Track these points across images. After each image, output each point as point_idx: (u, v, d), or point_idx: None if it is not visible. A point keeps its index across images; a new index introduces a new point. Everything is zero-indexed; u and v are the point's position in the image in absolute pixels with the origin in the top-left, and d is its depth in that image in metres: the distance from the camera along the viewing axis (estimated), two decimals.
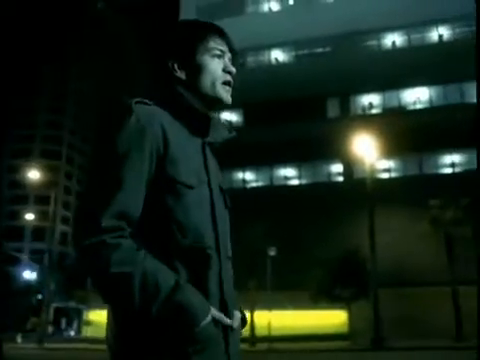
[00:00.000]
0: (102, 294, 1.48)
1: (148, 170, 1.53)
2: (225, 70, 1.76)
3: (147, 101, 1.62)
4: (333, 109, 33.23)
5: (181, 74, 1.73)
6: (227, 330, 1.57)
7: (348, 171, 31.31)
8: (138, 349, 1.47)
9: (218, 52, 1.75)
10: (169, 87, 1.73)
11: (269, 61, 35.35)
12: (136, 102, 1.59)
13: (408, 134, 29.06)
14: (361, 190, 24.64)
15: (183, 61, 1.74)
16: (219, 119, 1.78)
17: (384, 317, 23.20)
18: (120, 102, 1.61)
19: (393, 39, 33.71)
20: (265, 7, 36.28)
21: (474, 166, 30.49)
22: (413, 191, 27.67)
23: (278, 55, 35.84)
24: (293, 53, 35.48)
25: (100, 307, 33.77)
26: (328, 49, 34.49)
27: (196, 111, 1.69)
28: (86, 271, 1.47)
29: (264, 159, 31.81)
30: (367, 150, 24.29)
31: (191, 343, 1.45)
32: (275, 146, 30.87)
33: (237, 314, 1.69)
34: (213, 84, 1.73)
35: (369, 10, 32.35)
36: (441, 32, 32.84)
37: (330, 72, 31.61)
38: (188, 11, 36.63)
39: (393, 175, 32.16)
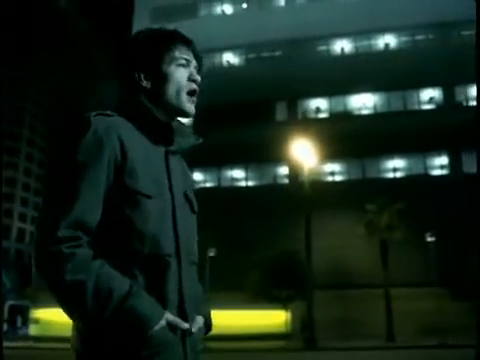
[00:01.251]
0: (58, 301, 1.52)
1: (105, 181, 1.56)
2: (190, 79, 1.79)
3: (108, 113, 1.65)
4: (281, 113, 33.68)
5: (147, 84, 1.75)
6: (185, 334, 1.60)
7: (293, 174, 31.77)
8: (98, 352, 1.51)
9: (183, 61, 1.78)
10: (132, 97, 1.74)
11: (221, 64, 35.64)
12: (95, 115, 1.61)
13: (353, 138, 29.67)
14: (307, 192, 25.12)
15: (148, 71, 1.76)
16: (185, 126, 1.83)
17: (321, 318, 23.73)
18: (79, 115, 1.64)
19: (342, 46, 34.37)
20: (218, 10, 36.58)
21: (415, 171, 31.47)
22: (355, 194, 28.26)
23: (230, 58, 36.18)
24: (244, 56, 35.82)
25: (47, 305, 33.71)
26: (278, 53, 34.96)
27: (158, 121, 1.71)
28: (43, 279, 1.50)
29: (212, 160, 32.04)
30: (307, 154, 24.76)
31: (145, 347, 1.49)
32: (224, 148, 31.13)
33: (198, 319, 1.72)
34: (178, 94, 1.76)
35: (320, 17, 32.95)
36: (387, 41, 33.64)
37: (280, 76, 31.99)
38: (142, 13, 36.70)
39: (338, 178, 32.79)
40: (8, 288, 62.82)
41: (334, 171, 32.88)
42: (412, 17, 31.60)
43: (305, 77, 31.80)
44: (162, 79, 1.75)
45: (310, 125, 31.35)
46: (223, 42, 33.95)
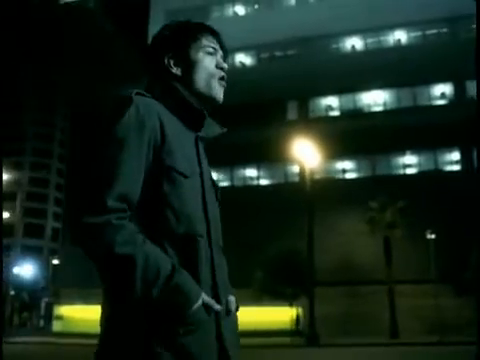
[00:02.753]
0: (103, 273, 1.55)
1: (146, 157, 1.59)
2: (218, 66, 1.84)
3: (145, 93, 1.70)
4: (292, 112, 33.92)
5: (177, 70, 1.81)
6: (218, 316, 1.62)
7: (304, 172, 32.01)
8: (130, 328, 1.52)
9: (211, 49, 1.84)
10: (165, 82, 1.79)
11: (233, 64, 36.08)
12: (136, 93, 1.66)
13: (364, 136, 29.72)
14: (317, 191, 25.38)
15: (178, 58, 1.82)
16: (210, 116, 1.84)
17: (327, 314, 24.02)
18: (121, 94, 1.68)
19: (353, 43, 34.37)
20: (230, 11, 37.01)
21: (426, 168, 31.29)
22: (364, 192, 28.34)
23: (242, 58, 36.58)
24: (256, 57, 36.18)
25: (70, 302, 34.78)
26: (290, 52, 35.19)
27: (191, 105, 1.75)
28: (89, 250, 1.50)
29: (225, 160, 32.50)
30: (310, 153, 25.01)
31: (182, 324, 1.50)
32: (236, 148, 31.57)
33: (232, 299, 1.74)
34: (208, 80, 1.82)
35: (330, 14, 33.01)
36: (398, 36, 33.49)
37: (291, 75, 32.18)
38: (157, 15, 37.46)
39: (349, 176, 32.85)
40: (42, 287, 64.80)
41: (345, 169, 32.96)
42: (422, 12, 31.40)
43: (316, 75, 31.95)
44: (191, 66, 1.81)
45: (321, 123, 31.56)
46: (235, 43, 34.26)
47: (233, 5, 36.93)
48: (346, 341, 22.57)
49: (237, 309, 1.79)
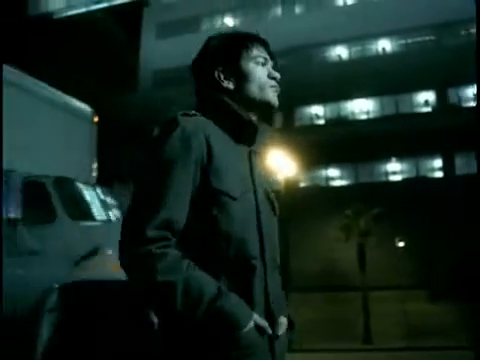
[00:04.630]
0: (149, 301, 1.57)
1: (193, 180, 1.55)
2: (270, 76, 1.79)
3: (193, 112, 1.66)
4: (278, 121, 34.33)
5: (228, 84, 1.75)
6: (273, 338, 1.58)
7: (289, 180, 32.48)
8: (184, 353, 1.51)
9: (262, 60, 1.79)
10: (215, 97, 1.74)
11: None
12: (182, 114, 1.63)
13: (349, 144, 30.14)
14: (299, 199, 25.89)
15: (229, 71, 1.76)
16: (262, 123, 1.79)
17: (305, 320, 24.42)
18: (168, 116, 1.64)
19: (339, 52, 34.85)
20: (220, 23, 37.72)
21: (410, 174, 31.56)
22: (347, 199, 28.73)
23: None
24: None
25: None
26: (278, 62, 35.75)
27: (242, 119, 1.70)
28: (133, 279, 1.52)
29: None
30: (291, 161, 25.49)
31: (234, 348, 1.47)
32: None
33: (283, 320, 1.69)
34: (261, 89, 1.76)
35: (317, 24, 33.52)
36: (384, 45, 33.89)
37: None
38: (149, 27, 38.33)
39: (336, 183, 33.27)
40: None
41: (331, 176, 33.40)
42: (406, 20, 31.73)
43: (303, 85, 32.43)
44: (243, 78, 1.76)
45: (306, 132, 32.06)
46: None
47: (222, 16, 37.65)
48: (316, 346, 22.89)
49: (292, 327, 1.77)
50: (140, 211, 1.52)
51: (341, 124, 32.71)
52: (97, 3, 40.46)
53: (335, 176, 33.38)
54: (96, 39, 36.60)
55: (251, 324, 1.50)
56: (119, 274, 4.60)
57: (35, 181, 6.06)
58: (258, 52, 1.79)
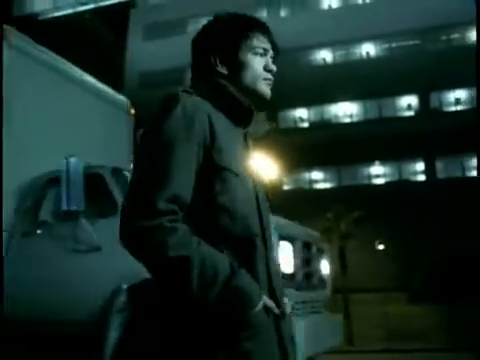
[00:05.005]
0: (158, 278, 1.50)
1: (196, 157, 1.54)
2: (266, 68, 1.78)
3: (191, 91, 1.66)
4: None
5: (222, 69, 1.75)
6: (278, 318, 1.58)
7: (272, 182, 32.73)
8: (190, 333, 1.47)
9: (261, 50, 1.78)
10: (211, 79, 1.73)
11: None
12: (182, 91, 1.63)
13: (334, 146, 30.38)
14: (286, 200, 26.01)
15: (225, 56, 1.75)
16: (259, 113, 1.80)
17: None
18: (167, 93, 1.63)
19: (323, 56, 35.09)
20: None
21: (392, 178, 31.89)
22: (332, 201, 28.94)
23: None
24: None
25: None
26: None
27: (239, 101, 1.71)
28: (141, 254, 1.45)
29: None
30: (269, 165, 25.68)
31: (244, 328, 1.46)
32: None
33: (286, 301, 1.72)
34: (254, 80, 1.75)
35: (302, 28, 33.73)
36: (367, 49, 34.19)
37: None
38: (136, 29, 38.36)
39: (320, 186, 33.52)
40: None
41: (315, 179, 33.63)
42: (390, 25, 32.03)
43: (288, 88, 32.61)
44: (238, 66, 1.75)
45: (291, 135, 32.27)
46: None
47: (208, 19, 37.73)
48: None
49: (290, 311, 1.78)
50: (148, 185, 1.47)
51: (325, 127, 32.93)
52: (84, 4, 40.46)
53: (319, 179, 33.60)
54: (83, 39, 36.58)
55: (261, 304, 1.49)
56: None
57: (93, 172, 5.54)
58: (258, 42, 1.78)
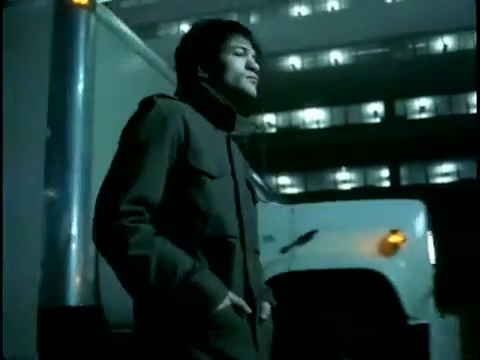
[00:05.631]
0: (119, 277, 1.50)
1: (169, 159, 1.54)
2: (248, 67, 1.77)
3: (170, 96, 1.66)
4: None
5: (203, 73, 1.75)
6: (254, 321, 1.56)
7: None
8: (160, 330, 1.48)
9: (240, 50, 1.77)
10: (192, 82, 1.73)
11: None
12: (158, 95, 1.62)
13: (300, 153, 30.61)
14: None
15: (205, 60, 1.75)
16: (243, 116, 1.78)
17: None
18: (144, 97, 1.63)
19: (292, 62, 35.39)
20: (175, 30, 37.90)
21: (358, 184, 32.26)
22: None
23: None
24: None
25: None
26: None
27: (219, 103, 1.69)
28: (104, 253, 1.49)
29: None
30: None
31: (211, 327, 1.45)
32: None
33: (267, 306, 1.69)
34: (237, 79, 1.75)
35: (271, 35, 33.92)
36: (334, 57, 34.62)
37: None
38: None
39: (284, 192, 33.74)
40: None
41: (282, 184, 33.83)
42: (358, 33, 32.46)
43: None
44: (219, 68, 1.75)
45: (258, 140, 32.40)
46: None
47: (179, 24, 37.86)
48: None
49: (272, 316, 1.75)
50: (114, 186, 1.51)
51: (292, 133, 33.21)
52: None
53: (286, 184, 33.83)
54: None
55: (227, 302, 1.46)
56: (339, 262, 4.00)
57: None
58: (237, 42, 1.78)
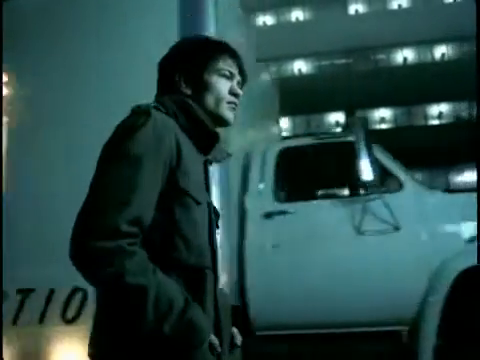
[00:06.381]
0: (110, 303, 1.42)
1: (161, 178, 1.46)
2: (231, 92, 1.74)
3: (161, 108, 1.59)
4: None
5: (186, 89, 1.70)
6: (219, 356, 1.51)
7: None
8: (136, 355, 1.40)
9: (227, 73, 1.74)
10: (178, 98, 1.67)
11: None
12: (154, 107, 1.56)
13: None
14: None
15: (190, 76, 1.71)
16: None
17: None
18: (137, 106, 1.56)
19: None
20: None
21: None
22: None
23: None
24: None
25: None
26: None
27: (205, 126, 1.64)
28: (94, 276, 1.37)
29: None
30: None
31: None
32: None
33: (235, 331, 1.71)
34: (217, 103, 1.70)
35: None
36: (298, 66, 35.03)
37: None
38: None
39: None
40: None
41: None
42: (321, 44, 32.89)
43: None
44: (203, 87, 1.70)
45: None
46: None
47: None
48: None
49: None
50: (110, 204, 1.38)
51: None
52: None
53: None
54: None
55: (208, 339, 1.43)
56: None
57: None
58: (224, 64, 1.74)
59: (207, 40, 1.82)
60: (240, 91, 1.77)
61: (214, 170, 2.00)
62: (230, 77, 1.75)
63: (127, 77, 4.38)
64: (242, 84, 1.82)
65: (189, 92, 1.70)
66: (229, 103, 1.74)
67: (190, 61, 1.73)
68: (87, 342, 1.50)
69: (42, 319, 4.24)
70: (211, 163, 1.74)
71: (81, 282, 1.41)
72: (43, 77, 4.72)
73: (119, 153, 1.44)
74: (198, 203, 1.54)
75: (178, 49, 1.79)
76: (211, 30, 4.01)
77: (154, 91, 1.81)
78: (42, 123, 4.70)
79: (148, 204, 1.43)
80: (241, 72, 1.80)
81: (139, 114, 1.51)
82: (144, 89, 1.98)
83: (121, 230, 1.34)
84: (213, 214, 1.65)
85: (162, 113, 1.56)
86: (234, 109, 1.76)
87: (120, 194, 1.38)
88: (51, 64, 4.71)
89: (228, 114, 1.74)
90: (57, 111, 4.63)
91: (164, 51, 1.82)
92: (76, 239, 1.36)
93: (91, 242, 1.32)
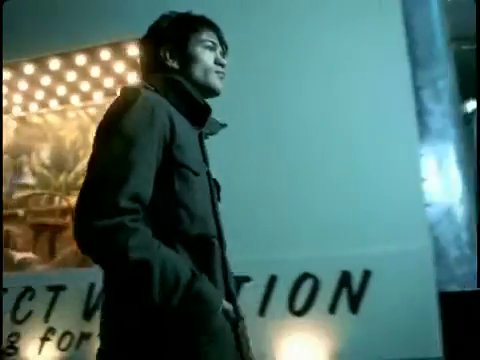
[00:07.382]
0: (118, 280, 1.41)
1: (157, 154, 1.44)
2: (216, 62, 1.75)
3: (150, 87, 1.59)
4: None
5: (173, 63, 1.70)
6: (235, 321, 1.50)
7: None
8: (146, 337, 1.37)
9: (210, 44, 1.76)
10: (166, 75, 1.68)
11: None
12: (144, 86, 1.57)
13: None
14: None
15: (176, 51, 1.72)
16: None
17: None
18: (128, 86, 1.59)
19: None
20: None
21: None
22: None
23: None
24: None
25: None
26: None
27: (195, 99, 1.64)
28: (99, 255, 1.34)
29: None
30: None
31: (204, 333, 1.38)
32: None
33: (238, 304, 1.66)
34: (206, 73, 1.72)
35: None
36: None
37: None
38: None
39: None
40: None
41: None
42: None
43: None
44: (189, 60, 1.71)
45: None
46: None
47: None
48: None
49: None
50: (109, 181, 1.33)
51: None
52: None
53: None
54: None
55: (220, 307, 1.39)
56: None
57: None
58: (207, 36, 1.75)
59: (186, 15, 1.81)
60: (224, 60, 1.78)
61: None
62: (213, 48, 1.76)
63: None
64: (224, 54, 1.82)
65: (176, 66, 1.70)
66: (217, 73, 1.74)
67: (174, 35, 1.73)
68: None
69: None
70: (207, 136, 1.73)
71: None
72: None
73: (114, 131, 1.42)
74: (196, 174, 1.51)
75: (159, 26, 1.77)
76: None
77: None
78: None
79: (146, 180, 1.39)
80: (222, 43, 1.81)
81: (130, 93, 1.51)
82: None
83: (121, 207, 1.30)
84: (213, 184, 1.63)
85: (151, 91, 1.56)
86: (222, 78, 1.76)
87: (117, 172, 1.35)
88: None
89: (218, 83, 1.73)
90: None
91: None
92: (77, 220, 1.33)
93: (93, 222, 1.29)
